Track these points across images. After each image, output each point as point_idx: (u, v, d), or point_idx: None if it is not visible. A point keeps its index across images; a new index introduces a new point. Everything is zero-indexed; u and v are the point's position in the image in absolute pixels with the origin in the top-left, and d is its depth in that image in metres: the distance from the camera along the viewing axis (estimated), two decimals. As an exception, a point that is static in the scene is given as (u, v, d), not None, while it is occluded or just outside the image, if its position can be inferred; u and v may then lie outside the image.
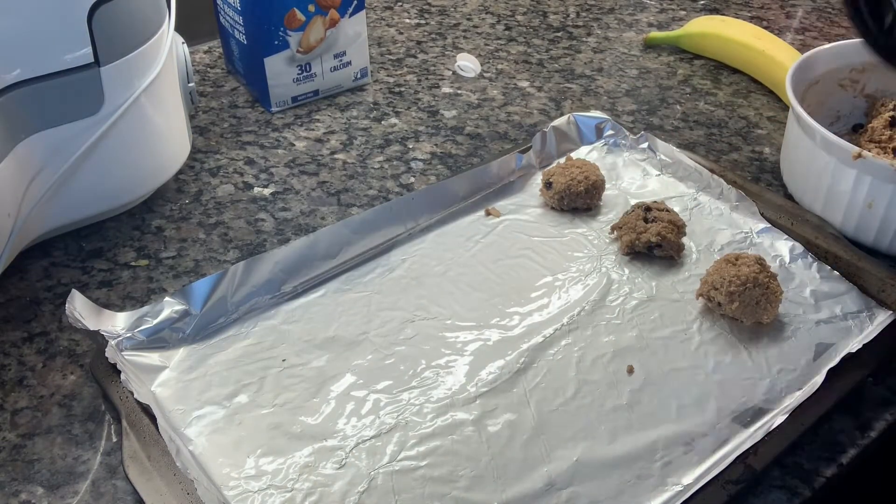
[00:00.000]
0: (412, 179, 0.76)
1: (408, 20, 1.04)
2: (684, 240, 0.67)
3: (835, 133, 0.65)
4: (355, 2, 0.83)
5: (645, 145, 0.78)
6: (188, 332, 0.58)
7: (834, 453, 0.53)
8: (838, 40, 0.77)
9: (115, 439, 0.52)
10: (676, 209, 0.69)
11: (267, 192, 0.74)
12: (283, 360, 0.57)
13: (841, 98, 0.78)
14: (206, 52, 0.95)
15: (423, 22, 1.04)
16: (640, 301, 0.62)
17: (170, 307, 0.58)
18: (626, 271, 0.65)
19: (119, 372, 0.54)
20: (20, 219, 0.59)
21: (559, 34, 1.02)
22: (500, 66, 0.94)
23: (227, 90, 0.88)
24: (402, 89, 0.89)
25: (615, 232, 0.68)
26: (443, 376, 0.56)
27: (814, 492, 0.51)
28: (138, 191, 0.69)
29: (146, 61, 0.63)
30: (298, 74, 0.84)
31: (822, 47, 0.76)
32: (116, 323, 0.56)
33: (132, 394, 0.53)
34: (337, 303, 0.62)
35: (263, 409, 0.53)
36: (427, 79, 0.91)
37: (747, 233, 0.68)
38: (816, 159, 0.67)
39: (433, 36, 1.00)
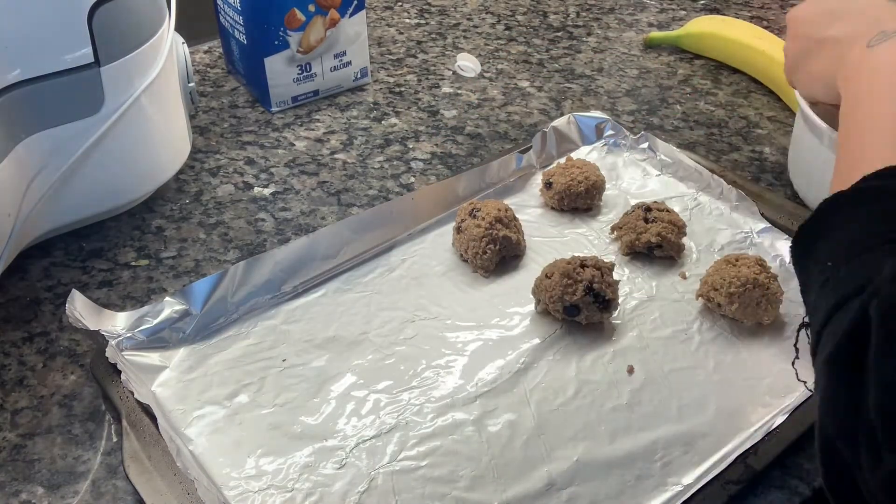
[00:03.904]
0: (412, 179, 0.76)
1: (408, 20, 1.04)
2: (684, 240, 0.67)
3: None
4: (355, 2, 0.83)
5: (645, 145, 0.78)
6: (188, 332, 0.58)
7: (834, 453, 0.53)
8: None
9: (115, 439, 0.52)
10: (676, 209, 0.69)
11: (267, 192, 0.74)
12: (284, 360, 0.57)
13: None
14: (206, 52, 0.95)
15: (423, 22, 1.04)
16: (640, 301, 0.62)
17: (170, 307, 0.58)
18: (626, 271, 0.65)
19: (119, 372, 0.54)
20: (20, 219, 0.59)
21: (559, 34, 1.02)
22: (500, 66, 0.94)
23: (227, 90, 0.88)
24: (402, 89, 0.89)
25: (615, 232, 0.68)
26: (443, 376, 0.56)
27: (814, 492, 0.51)
28: (138, 191, 0.69)
29: (146, 61, 0.63)
30: (298, 74, 0.83)
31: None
32: (116, 323, 0.56)
33: (132, 394, 0.53)
34: (337, 303, 0.62)
35: (264, 409, 0.53)
36: (427, 79, 0.91)
37: (747, 233, 0.68)
38: (823, 158, 0.67)
39: (433, 36, 1.00)
